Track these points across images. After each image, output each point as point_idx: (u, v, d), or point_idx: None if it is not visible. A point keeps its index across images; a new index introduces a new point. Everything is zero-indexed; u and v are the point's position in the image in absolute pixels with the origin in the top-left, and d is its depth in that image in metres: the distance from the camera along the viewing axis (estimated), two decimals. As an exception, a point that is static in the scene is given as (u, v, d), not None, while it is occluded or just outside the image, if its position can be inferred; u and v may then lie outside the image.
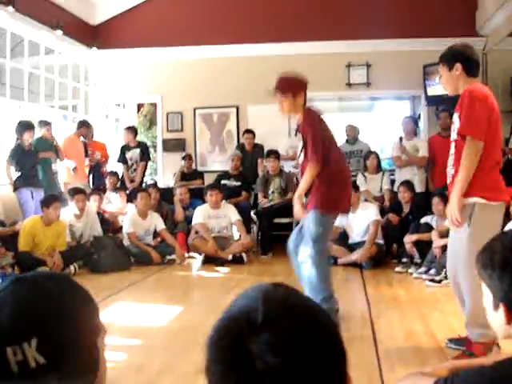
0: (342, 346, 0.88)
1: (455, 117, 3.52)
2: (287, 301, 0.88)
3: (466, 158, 3.34)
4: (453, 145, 3.57)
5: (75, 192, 7.35)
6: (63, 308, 0.99)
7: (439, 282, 5.85)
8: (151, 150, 11.77)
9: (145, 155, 9.30)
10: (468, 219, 3.35)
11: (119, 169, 9.42)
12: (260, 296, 0.87)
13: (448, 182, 3.61)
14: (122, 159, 9.28)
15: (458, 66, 3.51)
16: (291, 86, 4.60)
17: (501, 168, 3.57)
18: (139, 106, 12.06)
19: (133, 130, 9.36)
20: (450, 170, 3.58)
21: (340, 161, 4.53)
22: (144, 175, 9.54)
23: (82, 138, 8.98)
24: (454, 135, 3.55)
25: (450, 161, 3.59)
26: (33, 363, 0.91)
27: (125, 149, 9.29)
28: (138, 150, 9.20)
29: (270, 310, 0.84)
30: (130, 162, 9.21)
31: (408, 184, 7.50)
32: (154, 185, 8.85)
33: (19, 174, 7.52)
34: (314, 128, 4.29)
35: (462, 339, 3.57)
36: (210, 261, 7.29)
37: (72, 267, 6.67)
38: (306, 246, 4.29)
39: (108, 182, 8.75)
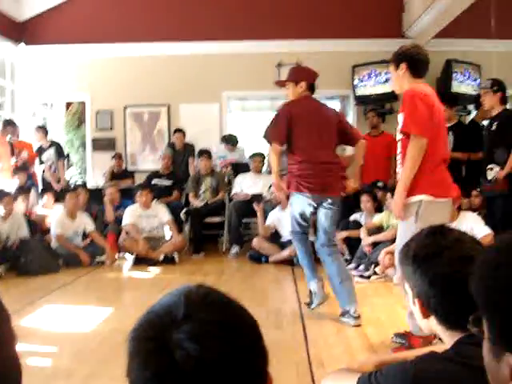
0: (261, 342, 0.90)
1: (399, 117, 3.59)
2: (208, 297, 0.90)
3: (409, 155, 3.41)
4: (399, 144, 3.63)
5: (1, 195, 7.10)
6: None
7: (368, 277, 5.99)
8: (80, 149, 11.54)
9: (60, 154, 9.12)
10: (415, 215, 3.42)
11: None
12: (182, 293, 0.89)
13: (397, 179, 3.67)
14: (40, 161, 9.10)
15: (403, 65, 3.61)
16: (294, 74, 4.80)
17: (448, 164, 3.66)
18: (68, 104, 11.78)
19: (42, 130, 9.16)
20: (398, 169, 3.64)
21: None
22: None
23: (7, 138, 8.70)
24: (398, 135, 3.62)
25: (398, 159, 3.64)
26: None
27: (39, 150, 9.10)
28: (52, 150, 9.02)
29: (190, 305, 0.87)
30: (47, 163, 9.01)
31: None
32: (83, 185, 8.69)
33: None
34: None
35: (407, 334, 3.67)
36: (142, 261, 7.22)
37: (-2, 270, 6.47)
38: None
39: (18, 178, 8.44)
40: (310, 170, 4.36)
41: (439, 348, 1.47)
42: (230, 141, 9.15)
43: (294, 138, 4.41)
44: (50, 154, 9.02)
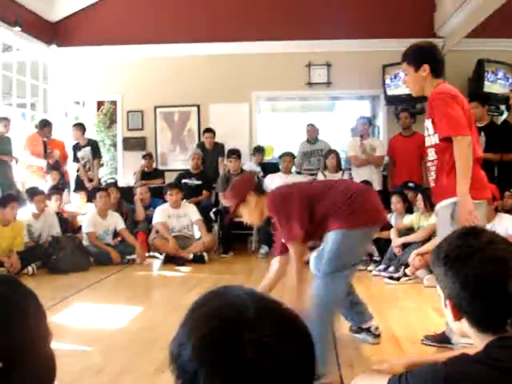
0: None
1: (428, 122, 3.41)
2: (265, 299, 0.93)
3: (460, 157, 3.20)
4: (432, 151, 3.43)
5: (35, 193, 7.21)
6: (18, 311, 0.98)
7: (398, 279, 5.94)
8: (111, 148, 11.66)
9: (96, 153, 9.20)
10: (450, 218, 3.25)
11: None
12: (243, 296, 0.91)
13: (431, 186, 3.53)
14: (75, 158, 9.21)
15: (426, 67, 3.40)
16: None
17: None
18: (99, 104, 11.92)
19: (81, 127, 9.22)
20: (431, 176, 3.48)
21: None
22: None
23: (43, 138, 8.83)
24: (430, 141, 3.43)
25: (432, 167, 3.46)
26: None
27: (75, 148, 9.20)
28: (88, 149, 9.11)
29: (259, 308, 0.89)
30: (82, 162, 9.10)
31: (367, 184, 7.53)
32: (115, 184, 8.77)
33: (-25, 172, 7.38)
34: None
35: (439, 335, 3.63)
36: (171, 260, 7.27)
37: (30, 268, 6.56)
38: None
39: (50, 177, 8.58)
40: None
41: (471, 351, 1.46)
42: (262, 150, 9.24)
43: None
44: (85, 152, 9.11)
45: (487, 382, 1.32)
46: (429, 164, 3.52)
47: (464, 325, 1.48)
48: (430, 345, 3.65)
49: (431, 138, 3.42)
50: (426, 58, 3.43)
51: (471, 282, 1.42)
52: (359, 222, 3.22)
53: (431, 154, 3.45)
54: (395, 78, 9.11)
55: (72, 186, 9.29)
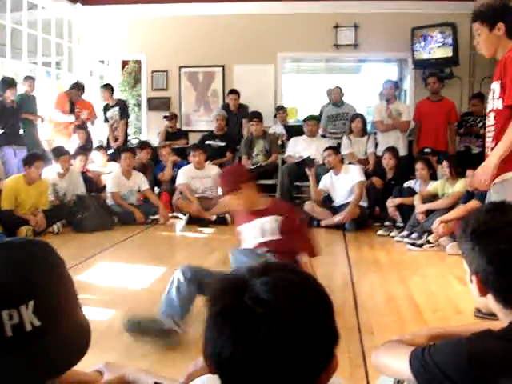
0: (330, 322, 0.94)
1: (495, 85, 3.23)
2: (287, 265, 0.97)
3: (510, 131, 3.04)
4: (492, 115, 3.28)
5: (60, 153, 7.25)
6: (53, 271, 0.99)
7: (420, 246, 5.92)
8: (135, 108, 11.66)
9: (123, 113, 9.23)
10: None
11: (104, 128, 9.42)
12: (257, 260, 0.96)
13: (487, 153, 3.32)
14: (105, 119, 9.28)
15: (501, 25, 3.17)
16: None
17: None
18: (124, 64, 11.89)
19: (109, 88, 9.28)
20: (489, 144, 3.30)
21: None
22: (127, 134, 9.50)
23: (70, 98, 8.84)
24: (492, 105, 3.26)
25: (489, 133, 3.31)
26: (29, 326, 0.90)
27: (105, 108, 9.28)
28: (116, 109, 9.14)
29: (268, 266, 0.94)
30: (111, 121, 9.17)
31: (393, 150, 7.44)
32: (147, 144, 8.72)
33: (1, 131, 7.44)
34: None
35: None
36: (194, 221, 7.31)
37: (55, 226, 6.66)
38: None
39: (78, 136, 8.63)
40: None
41: (496, 325, 1.45)
42: (284, 109, 9.27)
43: None
44: (114, 112, 9.15)
45: (511, 359, 1.31)
46: (487, 130, 3.38)
47: (490, 300, 1.47)
48: (483, 317, 3.52)
49: (494, 102, 3.25)
50: (501, 16, 3.20)
51: (498, 257, 1.40)
52: None
53: (491, 119, 3.30)
54: (424, 40, 8.91)
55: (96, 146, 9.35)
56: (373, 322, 3.57)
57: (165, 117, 9.34)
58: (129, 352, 3.08)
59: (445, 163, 6.35)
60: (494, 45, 3.24)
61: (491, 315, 3.49)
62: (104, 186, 7.85)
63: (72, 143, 8.46)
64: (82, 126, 8.72)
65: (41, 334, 0.91)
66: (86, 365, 1.17)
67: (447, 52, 8.57)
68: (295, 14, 9.48)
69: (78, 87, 8.89)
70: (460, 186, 6.09)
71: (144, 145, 8.49)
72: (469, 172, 5.90)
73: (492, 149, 3.22)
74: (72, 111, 8.71)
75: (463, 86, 9.12)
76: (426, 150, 7.35)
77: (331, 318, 0.93)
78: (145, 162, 8.15)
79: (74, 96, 8.75)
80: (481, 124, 7.73)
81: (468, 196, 5.79)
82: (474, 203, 5.62)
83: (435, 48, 8.80)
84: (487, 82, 7.78)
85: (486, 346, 1.35)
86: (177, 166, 8.18)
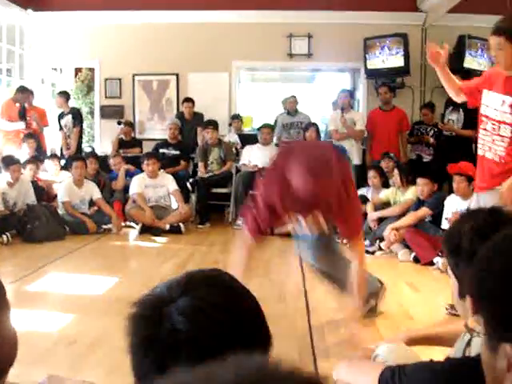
0: (260, 329, 0.91)
1: (506, 98, 3.36)
2: (210, 278, 0.93)
3: None
4: (507, 128, 3.39)
5: (10, 162, 7.08)
6: None
7: (372, 253, 5.99)
8: (89, 116, 11.51)
9: (76, 121, 9.09)
10: None
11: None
12: (188, 273, 0.93)
13: (491, 158, 3.49)
14: (60, 127, 9.11)
15: None
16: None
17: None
18: (77, 71, 11.73)
19: (65, 95, 9.12)
20: (494, 150, 3.44)
21: None
22: (81, 142, 9.37)
23: (16, 103, 8.66)
24: (505, 117, 3.39)
25: (496, 141, 3.43)
26: None
27: (60, 116, 9.13)
28: (70, 117, 9.00)
29: (190, 284, 0.90)
30: (65, 129, 9.03)
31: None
32: (93, 154, 8.63)
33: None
34: None
35: None
36: (148, 230, 7.25)
37: (4, 236, 6.48)
38: None
39: (27, 146, 8.42)
40: None
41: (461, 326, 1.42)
42: (239, 118, 9.27)
43: None
44: (68, 120, 9.01)
45: None
46: (495, 137, 3.45)
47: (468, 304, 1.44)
48: (455, 314, 3.47)
49: (503, 115, 3.37)
50: None
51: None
52: None
53: (504, 130, 3.39)
54: (376, 50, 9.04)
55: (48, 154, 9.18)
56: (325, 330, 3.59)
57: (119, 122, 9.25)
58: (78, 364, 3.02)
59: (396, 171, 6.45)
60: None
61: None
62: (56, 196, 7.71)
63: (22, 151, 8.28)
64: (31, 135, 8.53)
65: None
66: (31, 376, 1.14)
67: (399, 62, 8.71)
68: (250, 23, 9.51)
69: (23, 91, 8.71)
70: (411, 193, 6.19)
71: (90, 155, 8.40)
72: (419, 180, 6.01)
73: (501, 157, 3.40)
74: (23, 117, 8.53)
75: (415, 95, 9.28)
76: (391, 155, 7.39)
77: (259, 330, 0.91)
78: (92, 172, 8.01)
79: (23, 100, 8.57)
80: (431, 133, 7.90)
81: (418, 204, 5.90)
82: (424, 211, 5.75)
83: (387, 58, 8.94)
84: (438, 91, 7.97)
85: (461, 371, 1.26)
86: (129, 175, 8.11)
